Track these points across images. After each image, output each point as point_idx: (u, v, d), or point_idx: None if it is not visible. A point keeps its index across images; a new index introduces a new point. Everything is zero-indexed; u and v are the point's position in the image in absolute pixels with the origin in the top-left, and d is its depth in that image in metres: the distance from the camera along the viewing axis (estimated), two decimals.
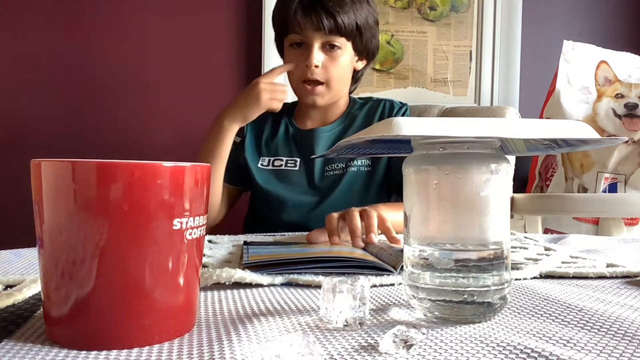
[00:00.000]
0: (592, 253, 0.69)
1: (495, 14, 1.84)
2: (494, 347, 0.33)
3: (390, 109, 1.14)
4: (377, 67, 1.86)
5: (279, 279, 0.51)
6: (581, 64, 1.61)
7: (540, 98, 1.74)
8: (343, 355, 0.32)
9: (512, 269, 0.54)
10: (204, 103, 1.73)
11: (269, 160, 1.12)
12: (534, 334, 0.36)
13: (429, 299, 0.39)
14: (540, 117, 1.67)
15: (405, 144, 0.45)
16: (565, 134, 0.39)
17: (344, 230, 0.71)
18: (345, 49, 1.02)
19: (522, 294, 0.47)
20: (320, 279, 0.50)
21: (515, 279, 0.53)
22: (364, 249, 0.66)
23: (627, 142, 1.50)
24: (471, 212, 0.39)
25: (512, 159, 1.33)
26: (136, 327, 0.32)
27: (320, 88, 1.03)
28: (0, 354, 0.31)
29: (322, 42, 1.00)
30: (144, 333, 0.33)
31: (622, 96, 1.53)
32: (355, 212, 0.71)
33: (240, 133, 1.13)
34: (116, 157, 0.34)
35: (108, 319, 0.32)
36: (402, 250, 0.56)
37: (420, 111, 1.47)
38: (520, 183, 1.75)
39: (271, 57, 1.69)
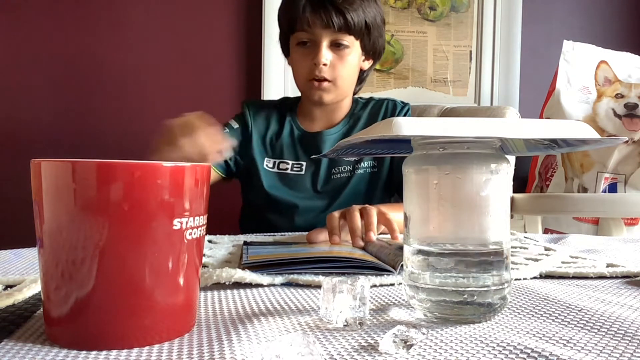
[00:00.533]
0: (592, 253, 0.69)
1: (495, 14, 1.84)
2: (494, 347, 0.33)
3: (392, 109, 1.13)
4: (377, 67, 1.86)
5: (279, 279, 0.51)
6: (581, 64, 1.61)
7: (540, 98, 1.74)
8: (343, 355, 0.32)
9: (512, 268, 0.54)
10: (204, 103, 1.73)
11: (275, 163, 1.10)
12: (534, 334, 0.36)
13: (429, 299, 0.39)
14: (540, 117, 1.67)
15: (405, 144, 0.45)
16: (565, 134, 0.39)
17: (344, 229, 0.72)
18: (354, 48, 1.01)
19: (522, 294, 0.47)
20: (320, 279, 0.50)
21: (515, 279, 0.53)
22: (363, 248, 0.66)
23: (627, 142, 1.50)
24: (471, 212, 0.39)
25: (512, 159, 1.33)
26: (136, 327, 0.32)
27: (326, 84, 1.01)
28: (0, 354, 0.31)
29: (331, 40, 0.99)
30: (144, 333, 0.33)
31: (622, 96, 1.53)
32: (356, 211, 0.72)
33: (241, 120, 1.10)
34: (116, 157, 0.34)
35: (108, 319, 0.32)
36: (401, 248, 0.57)
37: (420, 111, 1.47)
38: (520, 183, 1.75)
39: (271, 56, 1.69)
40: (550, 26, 1.87)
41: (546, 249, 0.71)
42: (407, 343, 0.32)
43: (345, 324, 0.36)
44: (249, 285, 0.50)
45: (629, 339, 0.35)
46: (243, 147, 1.09)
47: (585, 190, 1.55)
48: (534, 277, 0.54)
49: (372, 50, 1.06)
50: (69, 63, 1.69)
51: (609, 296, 0.46)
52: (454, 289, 0.38)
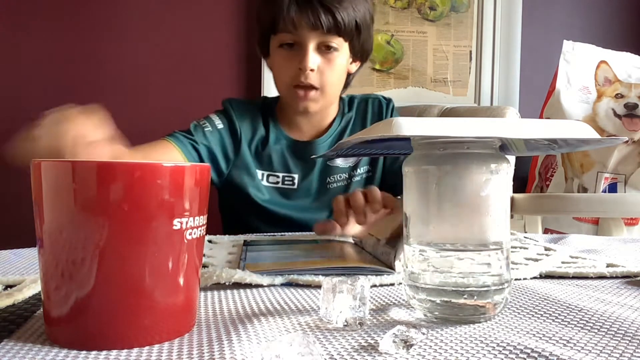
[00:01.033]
0: (592, 253, 0.69)
1: (495, 14, 1.84)
2: (494, 347, 0.33)
3: (379, 106, 1.08)
4: (377, 67, 1.86)
5: (279, 279, 0.51)
6: (581, 64, 1.62)
7: (540, 98, 1.74)
8: (343, 355, 0.32)
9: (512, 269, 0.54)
10: (204, 103, 1.73)
11: (263, 175, 1.00)
12: (534, 334, 0.36)
13: (429, 299, 0.39)
14: (540, 117, 1.67)
15: (405, 144, 0.45)
16: (565, 134, 0.39)
17: (350, 212, 0.74)
18: (342, 50, 0.93)
19: (522, 294, 0.47)
20: (320, 279, 0.50)
21: (515, 279, 0.53)
22: (361, 247, 0.66)
23: (627, 142, 1.50)
24: (471, 212, 0.39)
25: (512, 159, 1.33)
26: (136, 327, 0.32)
27: (313, 93, 0.93)
28: (0, 354, 0.31)
29: (318, 42, 0.90)
30: (144, 333, 0.33)
31: (622, 96, 1.53)
32: (359, 193, 0.74)
33: (226, 119, 0.99)
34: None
35: (108, 319, 0.32)
36: (389, 241, 0.56)
37: (420, 111, 1.47)
38: (520, 183, 1.75)
39: None
40: (550, 26, 1.87)
41: (546, 249, 0.71)
42: (407, 343, 0.32)
43: (345, 324, 0.36)
44: (249, 285, 0.50)
45: (629, 339, 0.35)
46: (228, 152, 0.98)
47: (585, 190, 1.55)
48: (534, 277, 0.54)
49: (360, 52, 0.99)
50: (69, 63, 1.69)
51: (609, 296, 0.46)
52: (454, 289, 0.38)
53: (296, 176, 1.01)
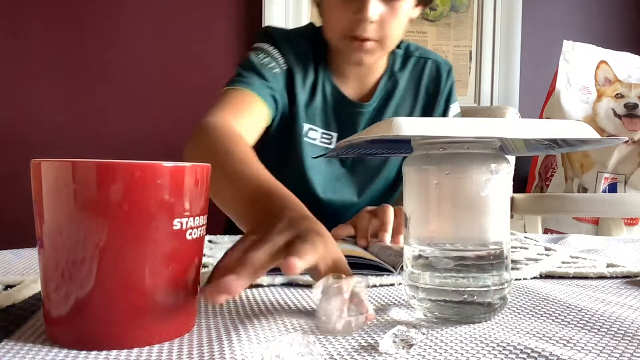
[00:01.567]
0: (592, 253, 0.69)
1: (495, 14, 1.84)
2: (494, 347, 0.33)
3: (437, 71, 0.95)
4: None
5: (278, 279, 0.51)
6: (581, 64, 1.62)
7: (540, 98, 1.74)
8: (343, 355, 0.32)
9: (512, 268, 0.54)
10: (204, 104, 1.72)
11: (307, 129, 0.88)
12: (534, 334, 0.36)
13: (429, 299, 0.39)
14: (540, 117, 1.67)
15: (405, 144, 0.45)
16: (565, 134, 0.39)
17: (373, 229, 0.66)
18: None
19: (522, 294, 0.47)
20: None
21: (515, 279, 0.53)
22: (365, 248, 0.65)
23: (627, 142, 1.50)
24: (471, 212, 0.39)
25: (512, 159, 1.33)
26: (136, 327, 0.32)
27: (371, 45, 0.79)
28: (0, 354, 0.31)
29: None
30: (144, 333, 0.33)
31: (622, 96, 1.53)
32: (366, 216, 0.67)
33: (275, 57, 0.84)
34: (116, 157, 0.34)
35: (108, 319, 0.32)
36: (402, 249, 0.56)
37: None
38: (520, 183, 1.75)
39: None
40: (550, 26, 1.87)
41: (546, 249, 0.71)
42: (407, 343, 0.32)
43: (344, 326, 0.36)
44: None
45: (629, 339, 0.35)
46: (285, 100, 0.85)
47: (585, 190, 1.55)
48: (534, 277, 0.54)
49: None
50: (69, 64, 1.69)
51: (609, 296, 0.46)
52: (454, 289, 0.38)
53: (335, 135, 0.89)
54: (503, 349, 0.33)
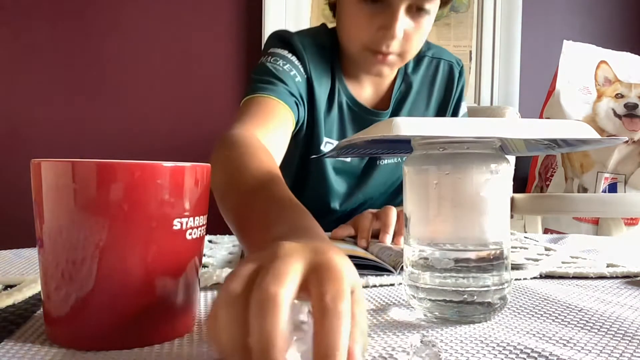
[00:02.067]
0: (592, 253, 0.69)
1: (495, 14, 1.84)
2: (494, 347, 0.33)
3: (449, 71, 0.94)
4: None
5: None
6: (581, 64, 1.62)
7: (540, 98, 1.74)
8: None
9: (512, 269, 0.54)
10: (204, 103, 1.73)
11: (325, 141, 0.86)
12: (534, 334, 0.36)
13: (429, 299, 0.39)
14: (540, 117, 1.67)
15: (405, 144, 0.45)
16: (565, 134, 0.39)
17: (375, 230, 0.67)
18: (433, 11, 0.77)
19: (522, 294, 0.47)
20: None
21: (515, 279, 0.53)
22: (365, 249, 0.65)
23: (627, 142, 1.50)
24: (471, 212, 0.39)
25: (512, 159, 1.33)
26: (136, 327, 0.32)
27: (393, 58, 0.78)
28: (0, 354, 0.31)
29: (410, 2, 0.73)
30: (144, 333, 0.33)
31: (622, 96, 1.53)
32: (368, 217, 0.67)
33: (297, 64, 0.81)
34: (116, 157, 0.34)
35: (108, 319, 0.32)
36: (403, 249, 0.56)
37: None
38: (520, 183, 1.75)
39: None
40: (550, 26, 1.87)
41: (546, 249, 0.71)
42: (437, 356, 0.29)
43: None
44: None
45: (629, 339, 0.35)
46: (304, 107, 0.82)
47: (585, 190, 1.55)
48: (534, 277, 0.54)
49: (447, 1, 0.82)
50: (69, 64, 1.69)
51: (609, 296, 0.46)
52: (454, 289, 0.38)
53: None
54: (503, 349, 0.33)
